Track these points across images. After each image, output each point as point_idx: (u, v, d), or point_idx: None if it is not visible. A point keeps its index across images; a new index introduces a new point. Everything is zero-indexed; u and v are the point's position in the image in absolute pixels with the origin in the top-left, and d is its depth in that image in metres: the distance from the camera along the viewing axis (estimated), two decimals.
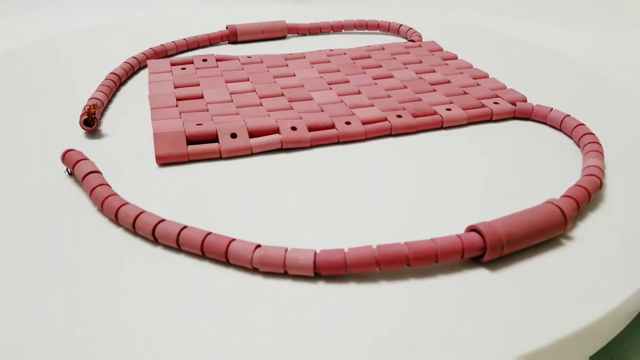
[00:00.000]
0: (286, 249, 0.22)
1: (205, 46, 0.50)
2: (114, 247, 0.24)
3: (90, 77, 0.42)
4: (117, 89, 0.40)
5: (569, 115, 0.34)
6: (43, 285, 0.22)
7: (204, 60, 0.43)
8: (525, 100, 0.37)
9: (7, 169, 0.30)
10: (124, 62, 0.42)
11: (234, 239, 0.23)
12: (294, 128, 0.32)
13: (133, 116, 0.36)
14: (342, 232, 0.25)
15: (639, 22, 0.50)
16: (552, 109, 0.35)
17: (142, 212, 0.24)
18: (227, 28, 0.50)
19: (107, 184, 0.27)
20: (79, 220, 0.26)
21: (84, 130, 0.34)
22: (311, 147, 0.33)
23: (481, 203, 0.27)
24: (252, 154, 0.32)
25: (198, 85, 0.39)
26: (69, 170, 0.29)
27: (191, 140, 0.31)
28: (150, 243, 0.24)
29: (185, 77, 0.40)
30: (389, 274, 0.23)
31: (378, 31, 0.54)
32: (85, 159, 0.28)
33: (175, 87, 0.38)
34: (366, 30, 0.54)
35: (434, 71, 0.42)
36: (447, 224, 0.26)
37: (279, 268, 0.22)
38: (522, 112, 0.36)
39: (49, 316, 0.20)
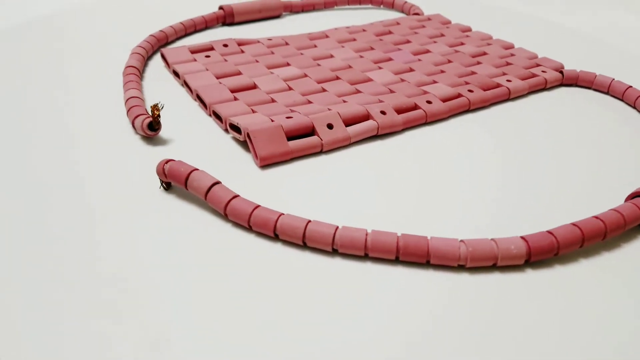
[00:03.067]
0: (493, 240, 0.21)
1: (202, 29, 0.45)
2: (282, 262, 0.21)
3: (85, 66, 0.36)
4: None
5: (614, 79, 0.36)
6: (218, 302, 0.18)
7: (225, 45, 0.39)
8: (563, 67, 0.38)
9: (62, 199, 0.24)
10: (134, 53, 0.37)
11: (433, 238, 0.21)
12: (383, 112, 0.31)
13: (177, 113, 0.31)
14: (488, 215, 0.24)
15: None
16: (596, 74, 0.37)
17: (309, 222, 0.21)
18: (221, 9, 0.46)
19: (239, 195, 0.23)
20: (229, 239, 0.22)
21: (140, 136, 0.29)
22: (402, 130, 0.31)
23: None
24: (348, 145, 0.29)
25: (240, 74, 0.35)
26: (164, 184, 0.25)
27: (289, 136, 0.28)
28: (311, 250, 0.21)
29: (219, 65, 0.35)
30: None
31: (370, 6, 0.53)
32: (196, 168, 0.24)
33: (217, 78, 0.34)
34: (359, 5, 0.52)
35: (462, 44, 0.42)
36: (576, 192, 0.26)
37: (491, 260, 0.21)
38: (569, 79, 0.37)
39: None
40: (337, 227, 0.21)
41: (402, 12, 0.52)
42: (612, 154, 0.29)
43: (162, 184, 0.25)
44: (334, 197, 0.25)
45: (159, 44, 0.40)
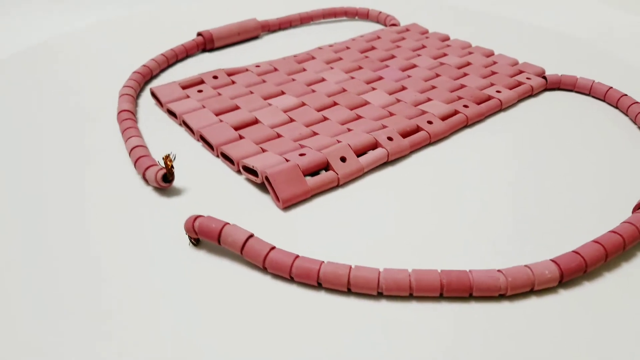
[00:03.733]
0: (527, 267, 0.22)
1: (183, 58, 0.44)
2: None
3: (71, 108, 0.35)
4: None
5: (594, 81, 0.38)
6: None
7: (215, 77, 0.38)
8: (544, 72, 0.40)
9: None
10: (123, 95, 0.36)
11: (473, 271, 0.22)
12: (390, 138, 0.31)
13: (182, 154, 0.31)
14: (512, 238, 0.25)
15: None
16: (577, 77, 0.39)
17: (351, 267, 0.22)
18: (200, 35, 0.45)
19: (275, 247, 0.23)
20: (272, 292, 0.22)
21: (153, 187, 0.28)
22: (410, 154, 0.32)
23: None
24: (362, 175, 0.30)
25: (238, 108, 0.35)
26: (193, 240, 0.25)
27: (305, 174, 0.28)
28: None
29: (215, 100, 0.35)
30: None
31: (345, 18, 0.53)
32: (227, 223, 0.24)
33: (216, 115, 0.34)
34: (334, 19, 0.53)
35: (445, 54, 0.43)
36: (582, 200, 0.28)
37: (529, 287, 0.22)
38: (552, 83, 0.39)
39: None
40: (380, 271, 0.22)
41: (378, 22, 0.52)
42: (610, 160, 0.31)
43: (191, 241, 0.25)
44: (357, 231, 0.25)
45: (145, 79, 0.39)
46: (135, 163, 0.29)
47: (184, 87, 0.37)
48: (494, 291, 0.22)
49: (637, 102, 0.35)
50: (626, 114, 0.36)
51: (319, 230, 0.26)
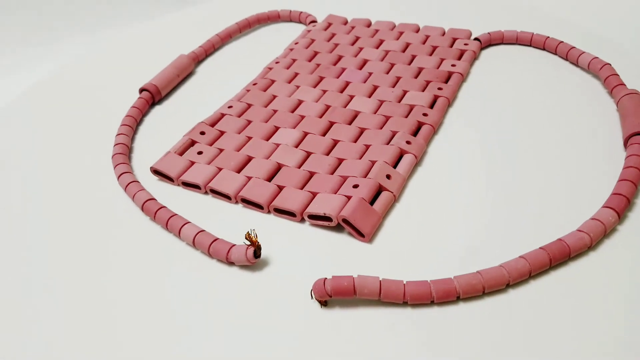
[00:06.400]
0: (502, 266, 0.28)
1: (140, 121, 0.42)
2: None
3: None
4: None
5: (518, 31, 0.44)
6: None
7: (202, 133, 0.37)
8: (471, 34, 0.45)
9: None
10: (129, 184, 0.34)
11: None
12: (408, 142, 0.34)
13: (230, 224, 0.31)
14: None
15: None
16: (502, 32, 0.45)
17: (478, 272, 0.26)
18: (145, 90, 0.43)
19: (410, 281, 0.26)
20: None
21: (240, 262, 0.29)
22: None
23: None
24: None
25: (252, 158, 0.35)
26: (323, 302, 0.26)
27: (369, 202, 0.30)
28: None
29: (224, 158, 0.35)
30: None
31: (258, 25, 0.53)
32: (351, 276, 0.26)
33: (237, 172, 0.34)
34: (250, 29, 0.53)
35: (382, 40, 0.46)
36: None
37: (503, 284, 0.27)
38: (484, 42, 0.45)
39: None
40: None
41: (291, 21, 0.53)
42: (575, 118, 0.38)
43: (321, 304, 0.26)
44: (430, 239, 0.29)
45: (124, 157, 0.37)
46: (209, 249, 0.29)
47: (181, 154, 0.36)
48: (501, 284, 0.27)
49: (562, 42, 0.42)
50: (555, 53, 0.43)
51: (399, 250, 0.29)
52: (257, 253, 0.28)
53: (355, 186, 0.31)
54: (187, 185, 0.34)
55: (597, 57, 0.39)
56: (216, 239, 0.29)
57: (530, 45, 0.44)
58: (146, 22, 0.59)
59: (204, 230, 0.30)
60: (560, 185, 0.31)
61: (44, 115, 0.43)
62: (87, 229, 0.32)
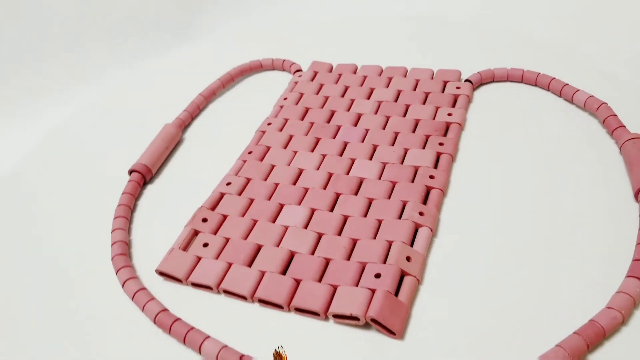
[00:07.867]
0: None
1: (134, 208, 0.40)
2: None
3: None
4: None
5: (509, 69, 0.44)
6: None
7: (204, 220, 0.36)
8: (460, 74, 0.45)
9: None
10: (127, 280, 0.32)
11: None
12: (421, 213, 0.33)
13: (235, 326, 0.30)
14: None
15: None
16: (493, 70, 0.44)
17: None
18: (135, 171, 0.41)
19: None
20: None
21: None
22: None
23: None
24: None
25: (262, 246, 0.33)
26: None
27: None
28: None
29: (231, 250, 0.33)
30: None
31: (241, 77, 0.51)
32: None
33: (248, 266, 0.33)
34: (233, 82, 0.51)
35: (372, 89, 0.45)
36: None
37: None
38: (475, 83, 0.44)
39: None
40: None
41: (274, 69, 0.52)
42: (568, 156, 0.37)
43: None
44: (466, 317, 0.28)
45: (122, 253, 0.35)
46: None
47: (185, 248, 0.34)
48: None
49: (554, 79, 0.42)
50: (548, 90, 0.42)
51: (429, 341, 0.28)
52: None
53: (377, 275, 0.30)
54: (196, 285, 0.33)
55: (592, 96, 0.39)
56: (242, 356, 0.28)
57: (521, 82, 0.44)
58: (121, 76, 0.57)
59: (226, 346, 0.28)
60: (575, 251, 0.31)
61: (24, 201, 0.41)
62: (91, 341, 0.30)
